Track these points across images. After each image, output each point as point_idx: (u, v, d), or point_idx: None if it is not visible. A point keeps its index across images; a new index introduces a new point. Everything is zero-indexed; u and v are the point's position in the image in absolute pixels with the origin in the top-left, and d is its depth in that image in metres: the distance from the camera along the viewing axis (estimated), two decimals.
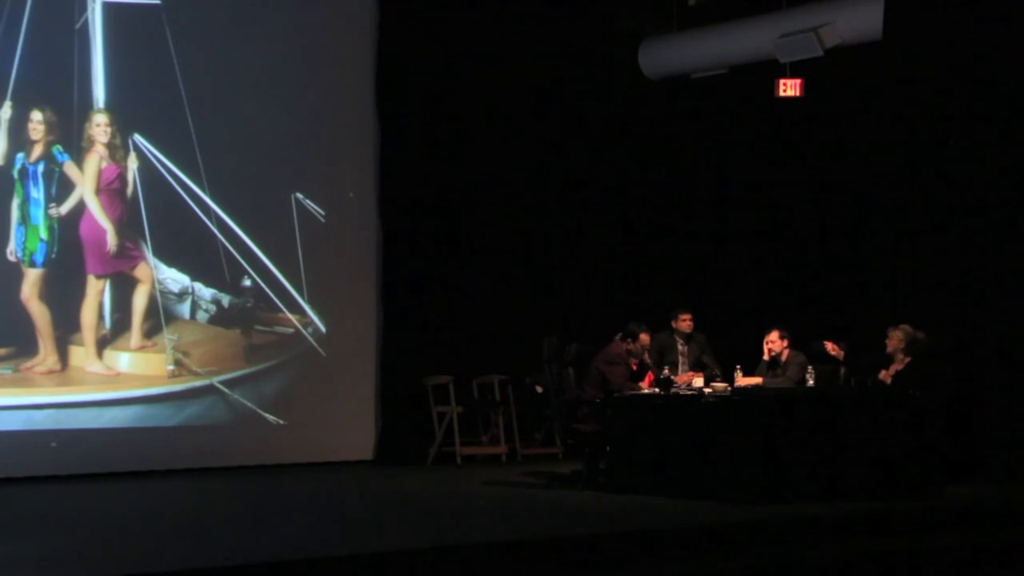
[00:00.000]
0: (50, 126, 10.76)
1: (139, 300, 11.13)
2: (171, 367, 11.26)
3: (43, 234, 10.72)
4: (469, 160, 12.74)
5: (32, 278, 10.67)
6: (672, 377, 10.18)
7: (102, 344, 10.98)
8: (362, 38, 12.41)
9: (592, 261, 13.69)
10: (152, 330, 11.20)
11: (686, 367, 11.20)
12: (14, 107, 10.59)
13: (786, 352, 10.79)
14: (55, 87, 10.77)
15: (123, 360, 11.09)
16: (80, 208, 10.90)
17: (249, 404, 11.62)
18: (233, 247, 11.58)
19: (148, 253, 11.18)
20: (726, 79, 13.39)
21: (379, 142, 12.43)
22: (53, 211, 10.76)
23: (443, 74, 12.55)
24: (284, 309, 11.89)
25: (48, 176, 10.76)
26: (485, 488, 10.33)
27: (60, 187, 10.81)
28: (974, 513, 9.28)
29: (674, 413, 9.69)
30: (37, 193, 10.71)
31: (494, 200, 12.97)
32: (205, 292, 11.48)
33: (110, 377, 11.00)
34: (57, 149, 10.80)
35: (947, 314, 11.23)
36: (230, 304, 11.61)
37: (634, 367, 10.46)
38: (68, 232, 10.83)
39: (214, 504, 9.57)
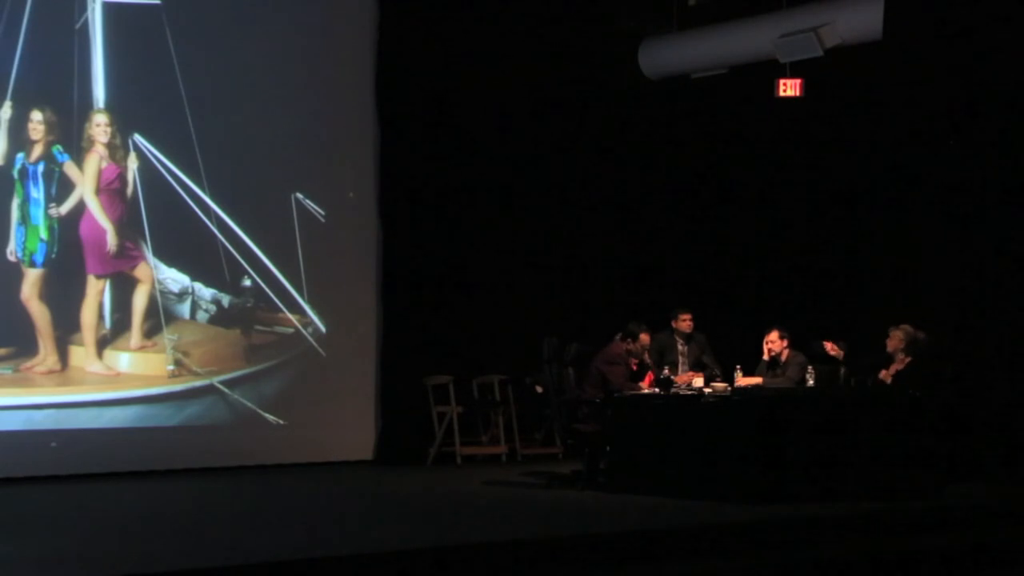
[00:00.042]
0: (50, 126, 10.76)
1: (139, 300, 11.13)
2: (171, 367, 11.25)
3: (43, 234, 10.72)
4: (469, 160, 12.73)
5: (32, 278, 10.67)
6: (672, 377, 10.18)
7: (102, 344, 10.98)
8: (362, 38, 12.40)
9: (592, 261, 13.68)
10: (152, 330, 11.20)
11: (686, 367, 11.19)
12: (14, 107, 10.59)
13: (786, 352, 10.78)
14: (55, 87, 10.77)
15: (123, 360, 11.09)
16: (80, 208, 10.89)
17: (249, 404, 11.61)
18: (233, 247, 11.57)
19: (148, 253, 11.17)
20: (726, 79, 13.39)
21: (379, 142, 12.42)
22: (53, 211, 10.76)
23: (443, 74, 12.55)
24: (284, 309, 11.89)
25: (48, 176, 10.76)
26: (485, 488, 10.33)
27: (60, 187, 10.81)
28: (974, 513, 9.27)
29: (674, 413, 9.69)
30: (37, 193, 10.71)
31: (494, 200, 12.97)
32: (205, 292, 11.48)
33: (110, 377, 11.00)
34: (57, 149, 10.80)
35: (947, 314, 11.23)
36: (230, 304, 11.61)
37: (634, 367, 10.45)
38: (68, 232, 10.83)
39: (214, 504, 9.57)
